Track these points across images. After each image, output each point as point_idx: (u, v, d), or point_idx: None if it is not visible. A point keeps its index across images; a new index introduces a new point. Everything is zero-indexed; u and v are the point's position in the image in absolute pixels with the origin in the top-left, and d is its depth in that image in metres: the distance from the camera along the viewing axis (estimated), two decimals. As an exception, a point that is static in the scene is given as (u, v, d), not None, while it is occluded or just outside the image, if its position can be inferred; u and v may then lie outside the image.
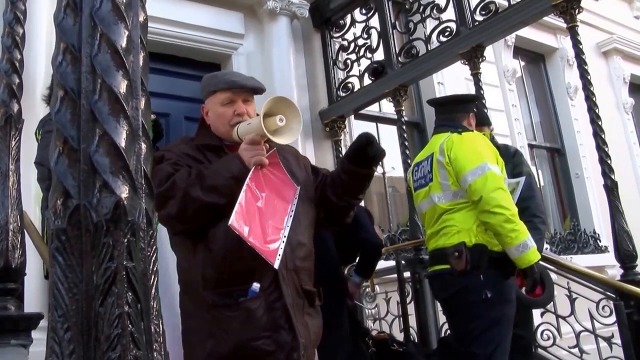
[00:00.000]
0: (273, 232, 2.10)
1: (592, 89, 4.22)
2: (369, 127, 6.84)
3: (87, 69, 0.90)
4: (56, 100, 0.91)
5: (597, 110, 4.18)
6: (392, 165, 6.69)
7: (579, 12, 4.23)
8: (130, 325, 0.83)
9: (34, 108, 3.39)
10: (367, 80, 5.84)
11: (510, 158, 4.09)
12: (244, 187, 2.04)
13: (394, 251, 5.22)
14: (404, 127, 5.41)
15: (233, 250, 2.10)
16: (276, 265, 2.06)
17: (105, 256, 0.85)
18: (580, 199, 8.22)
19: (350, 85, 6.03)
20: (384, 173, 6.83)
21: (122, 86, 0.91)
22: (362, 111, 6.44)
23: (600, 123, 4.13)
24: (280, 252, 2.09)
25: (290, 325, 2.16)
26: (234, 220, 1.94)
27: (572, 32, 4.28)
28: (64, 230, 0.86)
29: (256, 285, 2.12)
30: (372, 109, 6.71)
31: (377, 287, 4.89)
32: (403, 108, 5.43)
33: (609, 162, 4.01)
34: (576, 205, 8.24)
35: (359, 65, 6.02)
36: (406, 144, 5.34)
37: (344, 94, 6.06)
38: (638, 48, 9.83)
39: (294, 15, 6.08)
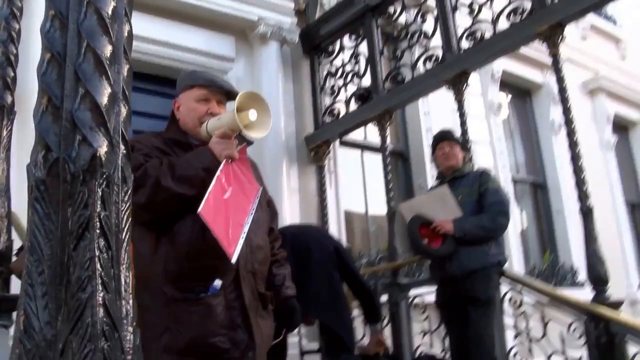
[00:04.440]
0: (235, 227, 2.12)
1: (573, 126, 4.22)
2: (353, 155, 6.90)
3: (73, 34, 0.97)
4: (42, 63, 0.97)
5: (578, 149, 4.23)
6: (375, 197, 6.67)
7: (561, 40, 4.31)
8: (100, 269, 0.88)
9: (28, 102, 3.46)
10: (353, 106, 5.92)
11: (477, 178, 4.13)
12: (215, 179, 2.08)
13: (371, 275, 5.26)
14: (388, 153, 5.48)
15: (197, 246, 2.12)
16: (233, 260, 2.06)
17: (80, 204, 0.89)
18: (561, 234, 8.31)
19: (336, 110, 6.10)
20: (367, 211, 6.91)
21: (106, 51, 0.97)
22: (348, 139, 6.52)
23: (578, 150, 4.19)
24: (239, 248, 2.10)
25: (247, 325, 2.19)
26: (203, 208, 1.97)
27: (555, 59, 4.36)
28: (43, 181, 0.91)
29: (218, 282, 2.14)
30: (357, 137, 6.78)
31: None
32: (388, 134, 5.51)
33: (584, 188, 4.07)
34: (556, 240, 8.33)
35: (345, 91, 6.08)
36: (389, 168, 5.40)
37: (329, 120, 6.13)
38: (623, 87, 10.02)
39: (284, 41, 6.16)
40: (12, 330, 1.77)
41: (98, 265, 0.88)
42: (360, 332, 5.17)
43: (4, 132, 1.91)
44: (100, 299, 0.88)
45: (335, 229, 5.90)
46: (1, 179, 1.83)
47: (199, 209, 1.96)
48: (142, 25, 5.23)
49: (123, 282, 0.94)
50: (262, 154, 5.25)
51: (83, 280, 0.87)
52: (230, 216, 2.11)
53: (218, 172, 2.11)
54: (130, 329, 0.93)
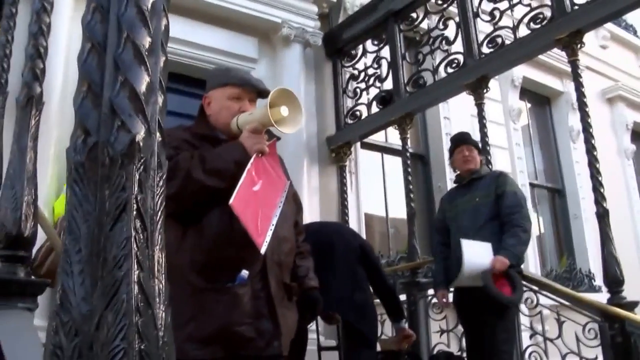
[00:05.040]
0: (263, 219, 2.18)
1: (590, 130, 4.35)
2: (374, 157, 6.96)
3: (113, 26, 1.01)
4: (83, 52, 1.02)
5: (595, 153, 4.29)
6: (395, 199, 6.74)
7: (580, 47, 4.39)
8: (136, 248, 0.92)
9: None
10: (374, 109, 5.99)
11: (494, 180, 4.18)
12: (245, 172, 2.14)
13: (391, 274, 5.33)
14: (408, 154, 5.54)
15: (225, 236, 2.18)
16: (262, 251, 2.13)
17: (118, 186, 0.93)
18: (578, 239, 8.38)
19: (358, 113, 6.21)
20: (387, 213, 6.95)
21: (145, 42, 1.01)
22: (369, 141, 6.60)
23: (595, 154, 4.23)
24: (268, 239, 2.16)
25: (272, 315, 2.24)
26: (235, 200, 2.03)
27: (574, 65, 4.44)
28: (82, 164, 0.95)
29: (245, 272, 2.19)
30: (378, 139, 6.84)
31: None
32: (408, 136, 5.57)
33: (601, 190, 4.13)
34: (573, 245, 8.39)
35: (367, 93, 6.22)
36: (409, 170, 5.46)
37: (351, 122, 6.21)
38: (642, 96, 10.01)
39: (307, 43, 6.25)
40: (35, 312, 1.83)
41: (134, 245, 0.91)
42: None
43: (33, 122, 1.98)
44: (135, 276, 0.91)
45: (356, 228, 5.96)
46: (29, 167, 1.89)
47: (230, 201, 2.02)
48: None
49: (157, 262, 0.97)
50: (283, 153, 5.28)
51: (119, 259, 0.90)
52: (259, 208, 2.18)
53: (249, 166, 2.18)
54: (163, 307, 0.96)
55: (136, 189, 0.94)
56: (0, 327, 1.69)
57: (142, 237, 0.94)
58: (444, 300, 4.27)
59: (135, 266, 0.91)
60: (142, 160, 0.96)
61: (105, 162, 0.94)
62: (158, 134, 1.02)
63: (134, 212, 0.93)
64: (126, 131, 0.95)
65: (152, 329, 0.92)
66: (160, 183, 1.02)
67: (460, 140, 4.42)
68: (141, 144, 0.96)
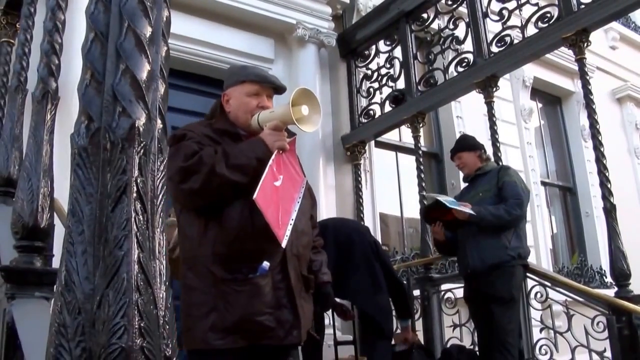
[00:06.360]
0: (284, 214, 2.24)
1: (597, 127, 4.42)
2: (389, 155, 6.99)
3: (115, 15, 1.05)
4: (87, 41, 1.05)
5: (602, 149, 4.35)
6: (409, 197, 6.77)
7: (587, 46, 4.45)
8: (136, 229, 0.94)
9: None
10: (387, 108, 6.04)
11: (496, 173, 4.29)
12: (267, 168, 2.20)
13: (405, 269, 5.40)
14: (421, 152, 5.59)
15: (246, 230, 2.23)
16: (284, 244, 2.18)
17: (118, 170, 0.96)
18: (589, 237, 8.46)
19: (371, 112, 6.27)
20: (401, 210, 6.98)
21: (146, 31, 1.04)
22: (383, 140, 6.64)
23: (602, 150, 4.27)
24: (288, 233, 2.22)
25: (292, 305, 2.30)
26: (258, 195, 2.08)
27: (580, 63, 4.52)
28: (85, 149, 0.98)
29: (266, 264, 2.25)
30: (392, 138, 6.88)
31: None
32: (421, 134, 5.63)
33: (608, 186, 4.17)
34: (585, 242, 8.46)
35: (380, 93, 6.27)
36: (422, 167, 5.50)
37: (365, 120, 6.26)
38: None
39: (322, 44, 6.30)
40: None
41: (134, 226, 0.94)
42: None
43: (48, 116, 2.03)
44: (135, 256, 0.93)
45: (371, 225, 6.03)
46: (45, 160, 1.94)
47: (254, 196, 2.07)
48: (188, 26, 5.41)
49: (157, 244, 0.99)
50: (299, 151, 5.34)
51: (120, 239, 0.93)
52: (280, 203, 2.24)
53: (270, 162, 2.23)
54: (163, 287, 0.97)
55: (136, 172, 0.97)
56: (18, 316, 1.73)
57: (142, 218, 0.96)
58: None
59: (136, 246, 0.94)
60: (142, 145, 0.99)
61: (107, 147, 0.97)
62: (159, 120, 1.05)
63: (134, 195, 0.96)
64: (127, 117, 0.98)
65: (152, 308, 0.94)
66: (161, 167, 1.05)
67: (452, 152, 4.66)
68: (141, 129, 0.99)
